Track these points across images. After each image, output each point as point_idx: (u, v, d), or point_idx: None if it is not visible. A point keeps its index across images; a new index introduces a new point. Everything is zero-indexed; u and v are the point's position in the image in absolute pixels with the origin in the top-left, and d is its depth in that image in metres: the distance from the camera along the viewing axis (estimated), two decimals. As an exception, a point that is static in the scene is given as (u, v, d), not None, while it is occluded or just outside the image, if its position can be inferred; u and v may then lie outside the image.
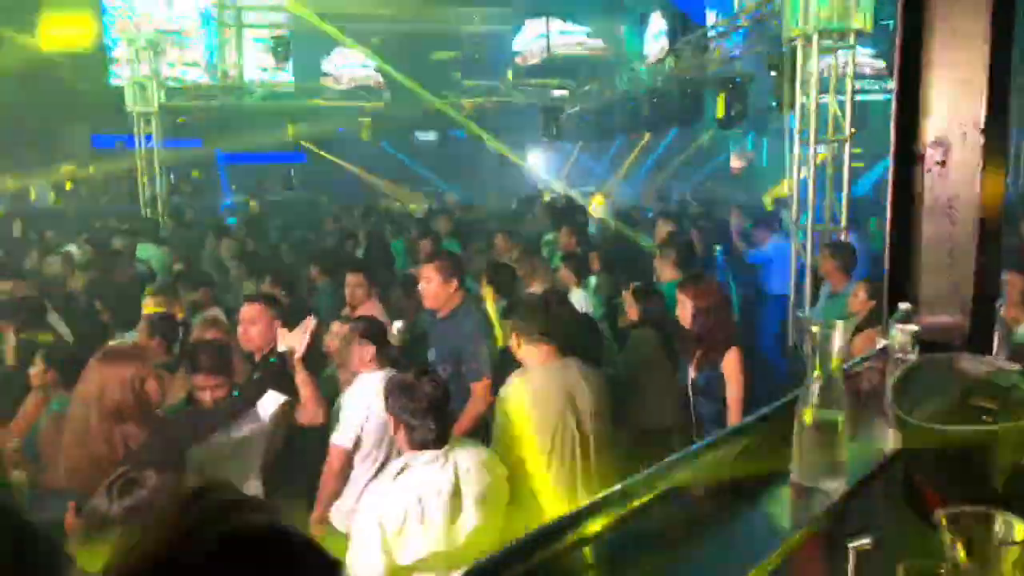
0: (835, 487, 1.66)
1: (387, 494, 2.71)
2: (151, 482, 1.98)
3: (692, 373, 3.76)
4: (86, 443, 2.94)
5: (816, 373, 1.70)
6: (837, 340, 1.80)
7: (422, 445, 2.76)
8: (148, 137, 12.90)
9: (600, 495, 1.63)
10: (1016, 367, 1.99)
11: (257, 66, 15.35)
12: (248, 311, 4.09)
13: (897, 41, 2.54)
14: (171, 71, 14.15)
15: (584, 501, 3.15)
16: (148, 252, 7.78)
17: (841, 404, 1.67)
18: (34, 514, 3.13)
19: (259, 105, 15.50)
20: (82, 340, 4.52)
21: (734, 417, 3.59)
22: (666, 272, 5.42)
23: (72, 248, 8.23)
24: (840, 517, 1.68)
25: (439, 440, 2.77)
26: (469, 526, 2.72)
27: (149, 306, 4.85)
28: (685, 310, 3.88)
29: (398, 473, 2.75)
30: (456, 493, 2.73)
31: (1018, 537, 1.13)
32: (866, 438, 1.94)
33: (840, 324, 1.91)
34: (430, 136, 19.49)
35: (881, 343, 2.39)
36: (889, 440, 1.95)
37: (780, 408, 1.93)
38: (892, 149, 2.55)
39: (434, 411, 2.78)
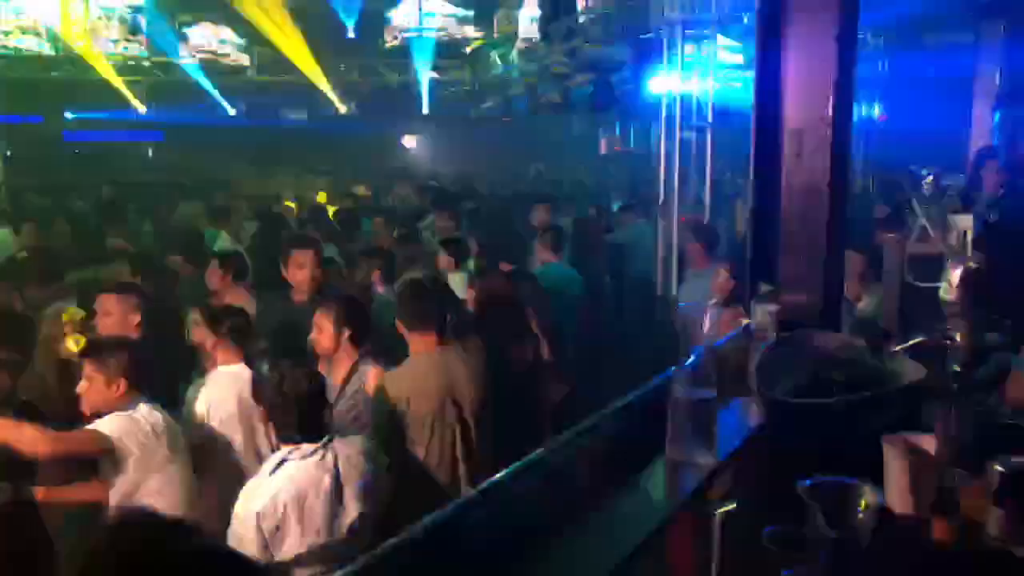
0: (707, 461, 1.77)
1: (263, 490, 2.62)
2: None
3: None
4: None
5: (687, 354, 1.80)
6: (706, 322, 1.92)
7: (297, 439, 2.69)
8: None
9: (482, 485, 1.66)
10: (860, 342, 2.19)
11: (106, 37, 14.23)
12: (102, 302, 3.85)
13: (757, 42, 2.71)
14: (5, 40, 12.93)
15: (466, 487, 3.21)
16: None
17: (712, 382, 1.77)
18: None
19: (109, 79, 14.40)
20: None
21: None
22: (544, 256, 5.52)
23: None
24: (712, 489, 1.79)
25: (316, 432, 2.71)
26: (350, 518, 2.69)
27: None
28: (323, 334, 3.66)
29: (275, 468, 2.66)
30: (336, 485, 2.68)
31: (869, 502, 1.25)
32: (734, 413, 2.07)
33: (710, 307, 2.04)
34: (301, 116, 18.83)
35: (745, 322, 2.55)
36: (754, 414, 2.09)
37: (655, 388, 2.03)
38: (752, 140, 2.72)
39: (311, 403, 2.71)
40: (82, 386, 3.01)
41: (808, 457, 1.62)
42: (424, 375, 3.19)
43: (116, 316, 3.84)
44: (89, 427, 2.94)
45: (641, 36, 7.75)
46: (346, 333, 3.42)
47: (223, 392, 3.36)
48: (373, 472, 2.80)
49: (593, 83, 9.06)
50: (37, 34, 13.66)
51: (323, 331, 3.46)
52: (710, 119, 6.89)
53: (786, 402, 1.85)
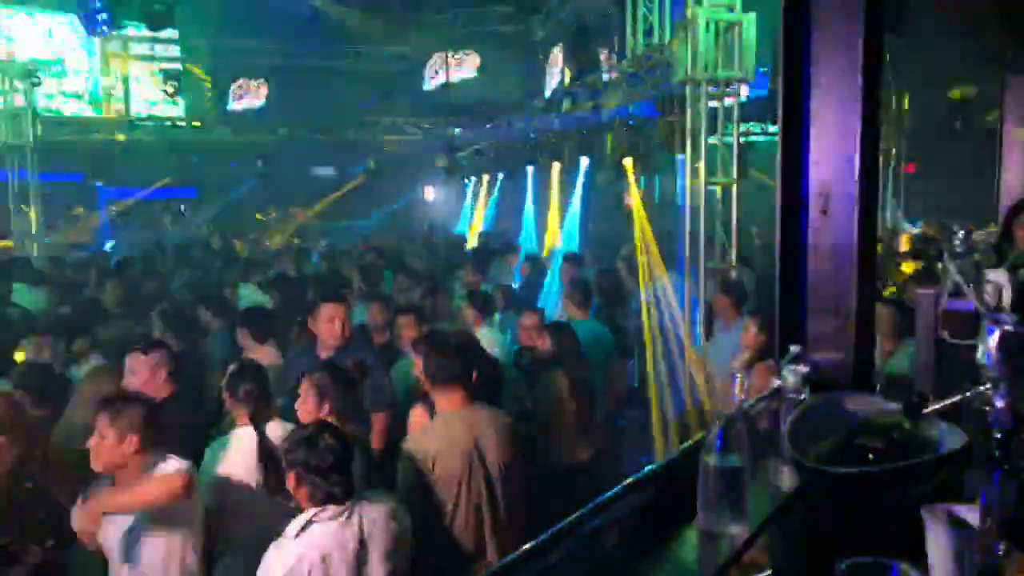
0: (739, 531, 1.72)
1: (289, 552, 2.59)
2: (32, 558, 1.84)
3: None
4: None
5: (717, 419, 1.76)
6: (735, 384, 1.88)
7: (325, 500, 2.66)
8: (22, 171, 12.13)
9: (516, 553, 1.63)
10: (897, 406, 2.13)
11: (145, 99, 14.75)
12: (128, 361, 3.91)
13: (780, 96, 2.71)
14: (49, 102, 13.44)
15: (493, 549, 3.14)
16: (24, 294, 7.25)
17: (742, 447, 1.73)
18: None
19: (147, 139, 14.88)
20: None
21: None
22: (571, 312, 5.49)
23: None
24: (746, 559, 1.73)
25: (344, 495, 2.68)
26: (375, 582, 2.65)
27: (22, 354, 4.52)
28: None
29: (300, 530, 2.63)
30: (362, 547, 2.65)
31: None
32: (766, 479, 2.01)
33: (738, 372, 2.00)
34: (328, 171, 19.23)
35: (775, 382, 2.50)
36: (787, 481, 2.03)
37: (686, 453, 1.99)
38: (779, 199, 2.70)
39: (338, 465, 2.69)
40: (93, 441, 2.94)
41: (844, 527, 1.57)
42: (450, 434, 3.16)
43: (144, 374, 3.88)
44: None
45: (663, 93, 7.84)
46: (326, 407, 3.33)
47: (237, 454, 3.35)
48: (399, 533, 2.76)
49: (615, 137, 9.15)
50: (79, 97, 14.22)
51: (306, 402, 3.36)
52: (735, 174, 6.91)
53: (820, 470, 1.80)
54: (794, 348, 2.40)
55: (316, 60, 16.04)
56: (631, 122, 9.02)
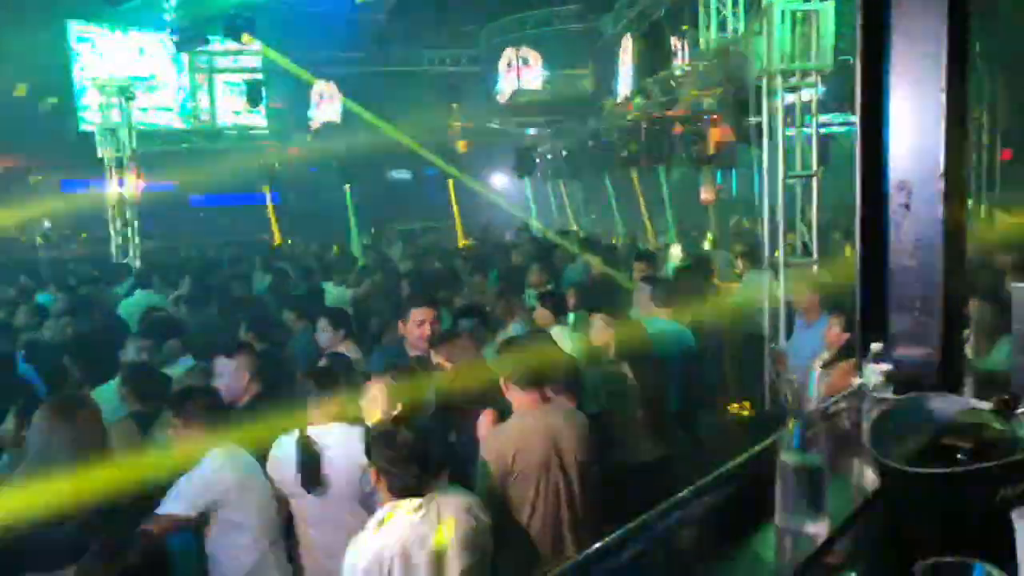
0: (818, 530, 1.69)
1: (369, 545, 2.67)
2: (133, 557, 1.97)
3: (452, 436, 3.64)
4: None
5: (795, 416, 1.74)
6: (817, 382, 1.85)
7: (403, 493, 2.74)
8: (120, 181, 12.82)
9: (589, 549, 1.65)
10: (987, 405, 2.05)
11: (230, 110, 15.39)
12: (214, 363, 4.10)
13: (858, 87, 2.64)
14: (143, 116, 14.15)
15: (571, 545, 3.17)
16: (123, 298, 7.68)
17: (821, 446, 1.70)
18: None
19: (231, 148, 15.52)
20: (54, 392, 4.43)
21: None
22: (645, 309, 5.45)
23: (44, 296, 8.11)
24: (826, 560, 1.71)
25: (421, 488, 2.75)
26: (454, 575, 2.70)
27: (130, 355, 4.79)
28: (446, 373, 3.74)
29: (380, 523, 2.71)
30: (440, 541, 2.71)
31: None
32: (847, 479, 1.97)
33: (817, 370, 1.97)
34: (404, 175, 19.62)
35: (857, 381, 2.44)
36: (869, 480, 1.99)
37: (764, 451, 1.97)
38: (858, 191, 2.63)
39: (415, 458, 2.76)
40: (169, 434, 3.18)
41: (928, 529, 1.53)
42: (529, 432, 3.20)
43: (229, 376, 4.06)
44: None
45: (738, 87, 7.69)
46: (398, 407, 3.36)
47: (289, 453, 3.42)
48: (477, 528, 2.81)
49: (692, 133, 9.02)
50: (170, 110, 14.95)
51: (375, 402, 3.41)
52: (815, 167, 6.72)
53: (904, 470, 1.75)
54: (876, 346, 2.34)
55: (390, 65, 16.38)
56: (706, 116, 8.88)
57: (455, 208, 17.16)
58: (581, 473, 3.22)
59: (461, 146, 16.61)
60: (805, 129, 6.87)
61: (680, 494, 1.86)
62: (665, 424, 4.53)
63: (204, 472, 3.20)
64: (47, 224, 16.30)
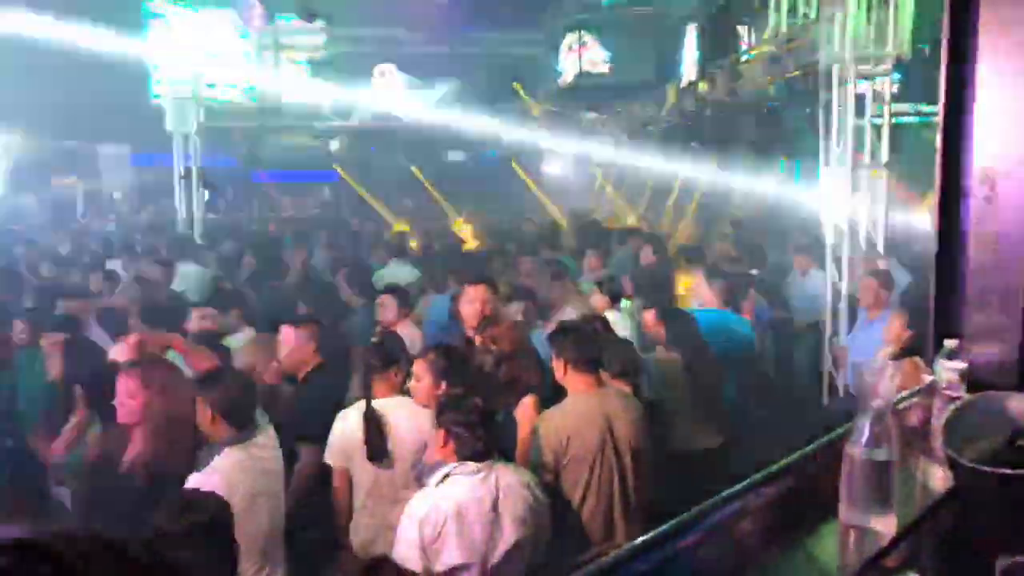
0: (885, 527, 1.65)
1: (429, 500, 2.76)
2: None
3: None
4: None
5: (865, 410, 1.70)
6: (883, 376, 1.80)
7: (469, 456, 2.81)
8: (186, 155, 13.18)
9: (647, 536, 1.64)
10: (1069, 407, 1.96)
11: (294, 87, 15.65)
12: (283, 332, 4.19)
13: (942, 75, 2.54)
14: (211, 91, 14.48)
15: (622, 530, 3.17)
16: (186, 270, 7.90)
17: (892, 442, 1.66)
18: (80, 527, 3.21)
19: (293, 126, 15.79)
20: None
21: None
22: (708, 300, 5.36)
23: (115, 265, 8.40)
24: (891, 558, 1.67)
25: (485, 453, 2.82)
26: (506, 544, 2.75)
27: (194, 324, 4.94)
28: (487, 357, 3.72)
29: (440, 481, 2.78)
30: (495, 509, 2.76)
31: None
32: (915, 476, 1.92)
33: (890, 362, 1.90)
34: (459, 157, 19.69)
35: (927, 378, 2.37)
36: (938, 479, 1.93)
37: (827, 445, 1.93)
38: (937, 182, 2.54)
39: (483, 424, 2.83)
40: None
41: (1002, 529, 1.48)
42: (584, 415, 3.20)
43: (294, 346, 4.15)
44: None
45: (808, 73, 7.49)
46: (442, 386, 3.37)
47: (357, 423, 3.44)
48: (533, 504, 2.84)
49: (756, 121, 8.83)
50: (236, 87, 15.27)
51: (421, 381, 3.41)
52: (885, 157, 6.51)
53: (979, 469, 1.69)
54: (950, 342, 2.27)
55: (450, 47, 16.42)
56: (771, 104, 8.67)
57: (536, 190, 17.01)
58: (635, 460, 3.21)
59: (534, 109, 16.40)
60: (875, 119, 6.65)
61: (739, 485, 1.84)
62: (720, 413, 4.48)
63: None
64: (117, 195, 16.87)
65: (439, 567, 2.68)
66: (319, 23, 15.38)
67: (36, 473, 3.71)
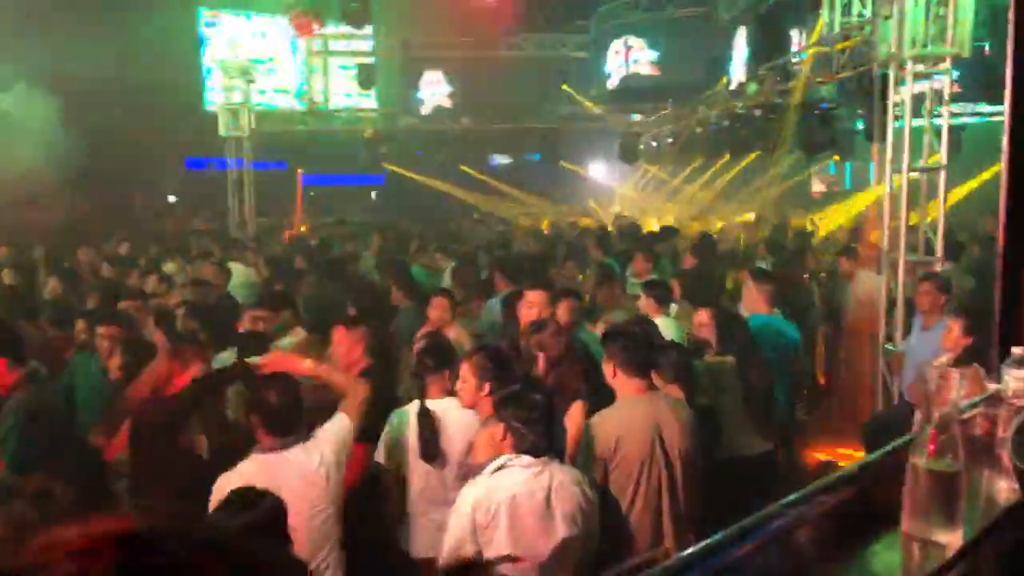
0: (950, 540, 1.60)
1: (482, 487, 2.78)
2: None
3: None
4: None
5: (931, 419, 1.65)
6: (954, 385, 1.74)
7: (527, 450, 2.82)
8: (238, 160, 13.48)
9: (701, 544, 1.62)
10: None
11: (342, 92, 15.88)
12: (334, 333, 4.25)
13: (1008, 73, 2.45)
14: (261, 97, 14.79)
15: (670, 535, 3.13)
16: (238, 272, 8.07)
17: (958, 453, 1.61)
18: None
19: (342, 130, 16.03)
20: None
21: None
22: (757, 305, 5.27)
23: (169, 266, 8.63)
24: (954, 573, 1.62)
25: (541, 449, 2.83)
26: (556, 541, 2.74)
27: (246, 325, 5.04)
28: (539, 362, 3.70)
29: (495, 470, 2.80)
30: (547, 504, 2.76)
31: None
32: (979, 489, 1.86)
33: (956, 369, 1.85)
34: (505, 159, 19.73)
35: (991, 386, 2.29)
36: (1004, 492, 1.87)
37: (888, 454, 1.88)
38: (1004, 184, 2.46)
39: (542, 420, 2.85)
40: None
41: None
42: (634, 418, 3.18)
43: (345, 346, 4.21)
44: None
45: (862, 73, 7.33)
46: (486, 388, 3.36)
47: (409, 424, 3.49)
48: (584, 504, 2.84)
49: (807, 122, 8.66)
50: (286, 92, 15.57)
51: (466, 382, 3.41)
52: (944, 160, 6.32)
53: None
54: (1018, 350, 2.19)
55: (498, 50, 16.48)
56: (824, 105, 8.50)
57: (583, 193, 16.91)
58: (684, 465, 3.18)
59: (589, 108, 16.22)
60: (933, 120, 6.46)
61: (797, 494, 1.80)
62: (770, 418, 4.41)
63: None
64: (172, 198, 17.32)
65: (488, 553, 2.69)
66: (367, 29, 15.59)
67: (96, 470, 3.82)
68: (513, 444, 2.84)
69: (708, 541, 1.65)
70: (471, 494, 2.77)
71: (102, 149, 14.73)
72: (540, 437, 2.83)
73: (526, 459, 2.79)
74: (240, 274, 8.01)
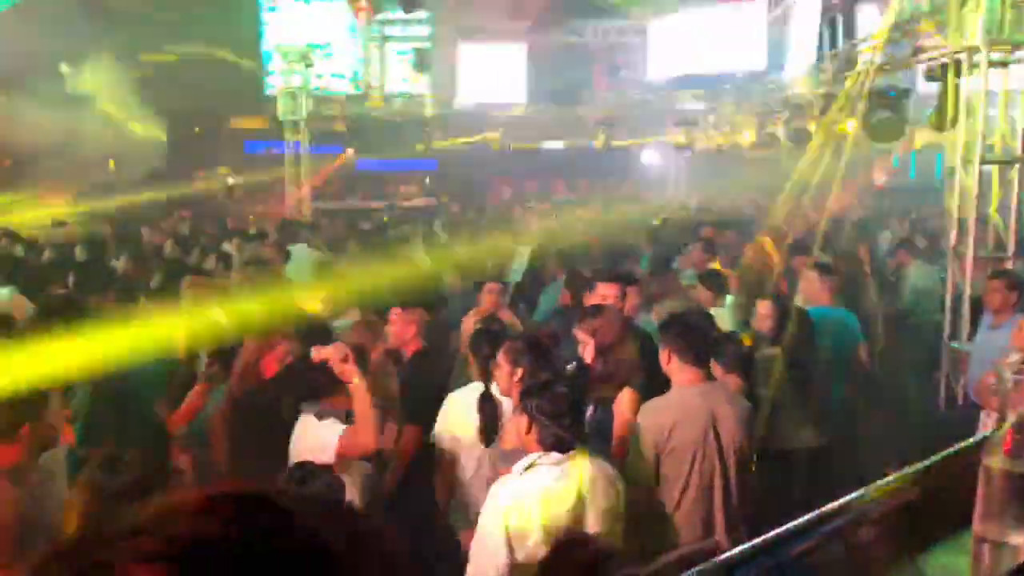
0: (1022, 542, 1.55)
1: (513, 488, 2.75)
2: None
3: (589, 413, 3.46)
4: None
5: (1005, 419, 1.60)
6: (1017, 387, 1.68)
7: (552, 446, 2.77)
8: (296, 143, 13.69)
9: (756, 540, 1.59)
10: None
11: (398, 77, 15.99)
12: (392, 312, 4.31)
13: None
14: (318, 81, 14.96)
15: (721, 527, 3.10)
16: (299, 252, 8.21)
17: (1033, 455, 1.55)
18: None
19: (397, 115, 16.14)
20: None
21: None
22: (820, 297, 5.14)
23: (228, 247, 8.83)
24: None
25: (569, 443, 2.78)
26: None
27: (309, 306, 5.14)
28: (587, 348, 3.59)
29: (525, 469, 2.77)
30: (579, 500, 2.74)
31: None
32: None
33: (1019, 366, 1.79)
34: (558, 145, 19.61)
35: (1069, 388, 2.20)
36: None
37: (956, 454, 1.82)
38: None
39: (568, 414, 2.79)
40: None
41: None
42: (688, 407, 3.15)
43: (399, 327, 4.27)
44: None
45: (933, 60, 7.06)
46: (518, 373, 3.35)
47: (467, 406, 3.52)
48: (616, 497, 2.81)
49: (873, 111, 8.38)
50: (343, 76, 15.74)
51: (500, 368, 3.41)
52: (1019, 151, 6.06)
53: None
54: (1100, 350, 2.10)
55: (554, 35, 16.37)
56: (891, 93, 8.23)
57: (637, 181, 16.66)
58: (738, 457, 3.13)
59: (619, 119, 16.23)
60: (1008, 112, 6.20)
61: (858, 491, 1.76)
62: (823, 413, 4.33)
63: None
64: (231, 180, 17.71)
65: (522, 557, 2.67)
66: (424, 14, 15.64)
67: (161, 443, 3.95)
68: (538, 438, 2.78)
69: (765, 536, 1.62)
70: (502, 499, 2.71)
71: (176, 129, 15.14)
72: (566, 431, 2.76)
73: (556, 456, 2.74)
74: (301, 255, 8.14)
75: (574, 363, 3.62)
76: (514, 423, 3.00)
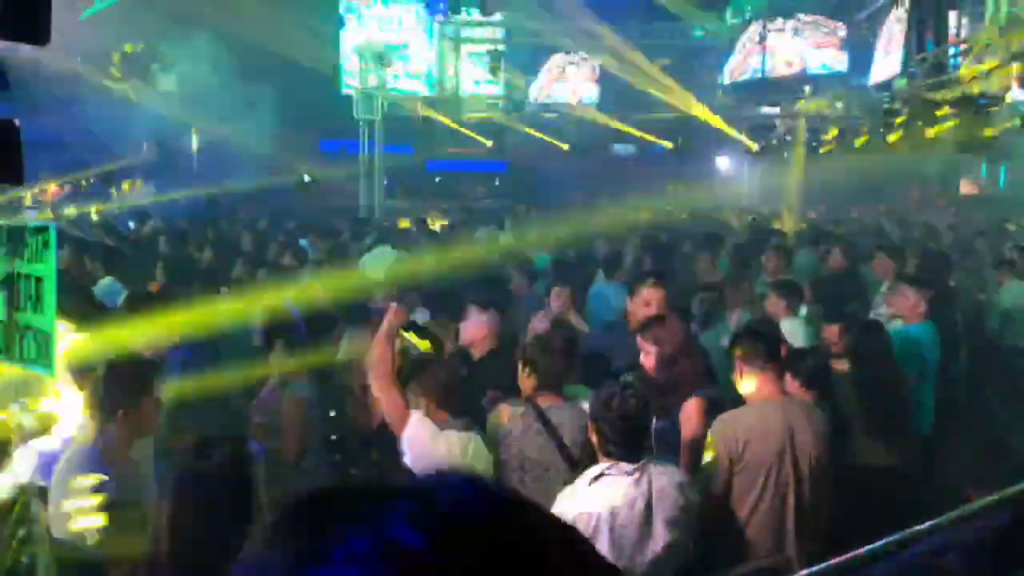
0: None
1: (580, 501, 2.72)
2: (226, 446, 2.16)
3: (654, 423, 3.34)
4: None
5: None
6: None
7: (618, 456, 2.75)
8: (370, 143, 13.97)
9: (832, 562, 1.55)
10: None
11: (471, 79, 16.16)
12: (467, 313, 4.35)
13: None
14: (394, 82, 15.26)
15: (792, 543, 3.02)
16: (380, 253, 8.34)
17: None
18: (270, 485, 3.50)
19: (469, 116, 16.32)
20: (312, 329, 4.92)
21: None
22: (913, 313, 4.94)
23: (304, 243, 9.06)
24: None
25: (634, 453, 2.73)
26: (657, 547, 2.68)
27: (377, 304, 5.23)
28: (649, 358, 3.50)
29: (593, 480, 2.75)
30: (648, 510, 2.70)
31: None
32: None
33: None
34: (629, 149, 19.48)
35: None
36: None
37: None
38: None
39: (632, 424, 2.75)
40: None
41: None
42: (765, 421, 3.07)
43: (473, 329, 4.31)
44: None
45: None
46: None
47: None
48: (685, 507, 2.76)
49: (963, 120, 8.06)
50: (418, 78, 16.01)
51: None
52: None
53: None
54: None
55: (630, 38, 16.27)
56: (982, 100, 7.88)
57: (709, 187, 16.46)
58: (814, 472, 3.05)
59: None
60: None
61: (946, 516, 1.70)
62: (899, 432, 4.16)
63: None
64: (307, 178, 18.15)
65: None
66: (499, 16, 15.78)
67: (238, 432, 4.09)
68: (602, 448, 2.76)
69: (844, 558, 1.58)
70: (568, 511, 2.66)
71: (260, 120, 15.63)
72: (630, 441, 2.72)
73: (624, 466, 2.70)
74: (376, 252, 8.26)
75: (629, 374, 3.57)
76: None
